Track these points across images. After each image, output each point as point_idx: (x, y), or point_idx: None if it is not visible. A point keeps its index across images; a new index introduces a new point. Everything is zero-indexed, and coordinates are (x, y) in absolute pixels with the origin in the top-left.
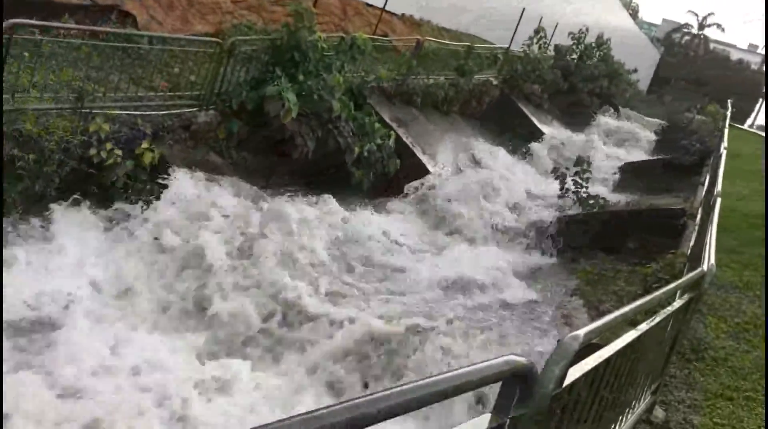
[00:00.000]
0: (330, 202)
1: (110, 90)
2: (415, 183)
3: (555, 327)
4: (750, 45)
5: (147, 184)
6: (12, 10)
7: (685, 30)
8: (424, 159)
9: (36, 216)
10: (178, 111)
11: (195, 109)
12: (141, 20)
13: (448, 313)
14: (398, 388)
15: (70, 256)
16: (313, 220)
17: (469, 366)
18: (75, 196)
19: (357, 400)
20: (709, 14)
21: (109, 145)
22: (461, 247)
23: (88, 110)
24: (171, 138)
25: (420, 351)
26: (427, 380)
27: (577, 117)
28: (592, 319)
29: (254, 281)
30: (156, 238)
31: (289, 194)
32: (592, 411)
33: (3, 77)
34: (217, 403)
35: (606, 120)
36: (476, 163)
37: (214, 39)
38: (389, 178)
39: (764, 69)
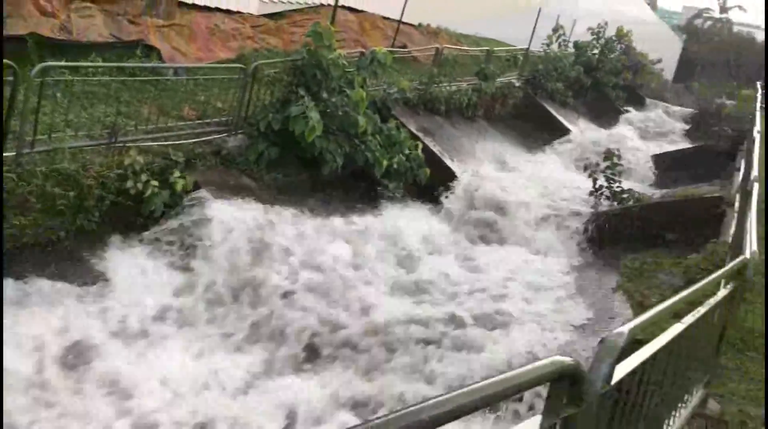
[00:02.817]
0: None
1: (141, 122)
2: (451, 189)
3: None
4: None
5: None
6: (41, 53)
7: (707, 15)
8: (453, 166)
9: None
10: (208, 138)
11: (224, 134)
12: (165, 52)
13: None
14: (442, 397)
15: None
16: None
17: (514, 370)
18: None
19: (401, 411)
20: None
21: (144, 177)
22: (498, 249)
23: (121, 144)
24: (203, 164)
25: None
26: (473, 386)
27: (604, 112)
28: (636, 315)
29: None
30: None
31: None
32: (643, 408)
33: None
34: None
35: (633, 113)
36: (504, 165)
37: (237, 65)
38: (421, 187)
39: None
